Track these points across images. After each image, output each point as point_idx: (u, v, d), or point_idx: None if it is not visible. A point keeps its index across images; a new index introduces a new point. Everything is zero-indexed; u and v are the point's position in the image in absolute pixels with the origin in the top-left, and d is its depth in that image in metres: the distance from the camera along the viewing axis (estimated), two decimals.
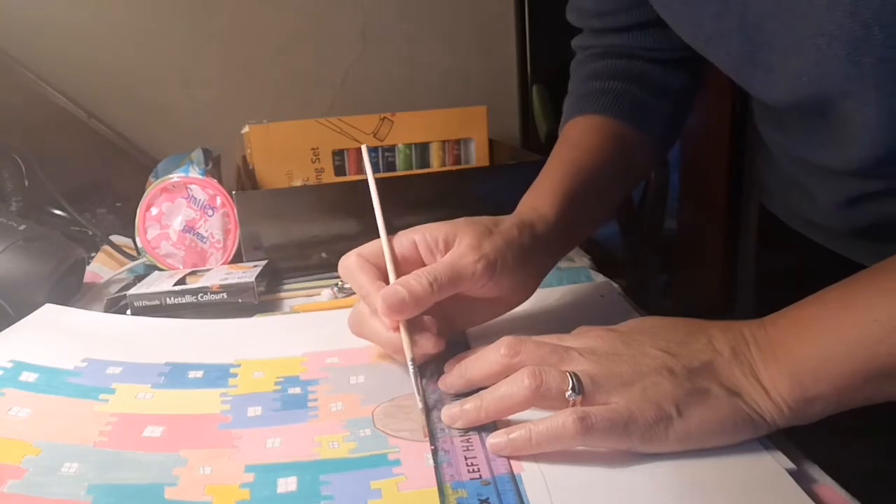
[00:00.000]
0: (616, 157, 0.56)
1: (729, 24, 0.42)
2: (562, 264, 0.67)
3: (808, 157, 0.51)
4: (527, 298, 0.50)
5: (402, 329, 0.42)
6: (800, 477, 0.34)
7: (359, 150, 0.77)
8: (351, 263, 0.45)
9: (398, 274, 0.44)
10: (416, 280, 0.42)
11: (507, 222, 0.47)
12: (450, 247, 0.44)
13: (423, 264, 0.45)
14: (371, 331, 0.45)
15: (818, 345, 0.35)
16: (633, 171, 0.60)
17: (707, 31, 0.45)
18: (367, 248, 0.45)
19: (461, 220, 0.46)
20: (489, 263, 0.43)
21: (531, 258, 0.47)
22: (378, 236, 0.46)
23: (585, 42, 0.63)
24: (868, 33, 0.35)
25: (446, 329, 0.46)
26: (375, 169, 0.78)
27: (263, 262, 0.64)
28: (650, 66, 0.59)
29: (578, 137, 0.57)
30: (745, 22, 0.41)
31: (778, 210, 0.63)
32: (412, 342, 0.42)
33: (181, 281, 0.60)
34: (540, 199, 0.51)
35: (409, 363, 0.41)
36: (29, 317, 0.53)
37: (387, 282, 0.43)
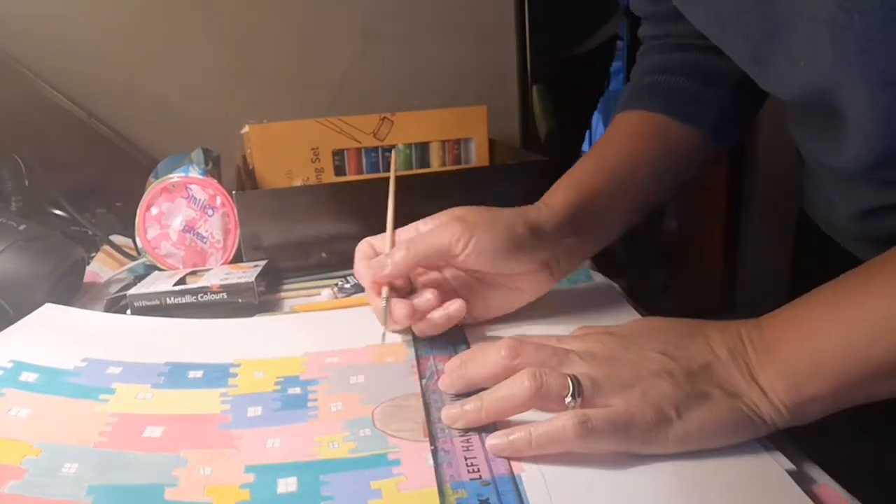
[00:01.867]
0: (656, 154, 0.55)
1: (744, 4, 0.42)
2: None
3: (822, 158, 0.50)
4: (541, 290, 0.52)
5: (382, 293, 0.47)
6: (800, 477, 0.34)
7: (359, 151, 0.77)
8: (359, 248, 0.51)
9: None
10: (397, 248, 0.47)
11: (508, 211, 0.49)
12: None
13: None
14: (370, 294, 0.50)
15: (811, 345, 0.35)
16: (677, 168, 0.58)
17: (723, 14, 0.45)
18: (377, 236, 0.51)
19: (457, 208, 0.49)
20: (465, 230, 0.46)
21: (529, 243, 0.48)
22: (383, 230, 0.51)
23: (646, 31, 0.62)
24: (850, 20, 0.34)
25: (455, 308, 0.48)
26: (375, 169, 0.79)
27: (263, 262, 0.64)
28: (704, 54, 0.57)
29: (616, 133, 0.57)
30: (759, 2, 0.40)
31: (814, 214, 0.61)
32: (389, 306, 0.47)
33: (181, 281, 0.60)
34: (553, 193, 0.52)
35: (382, 321, 0.47)
36: (29, 317, 0.53)
37: None
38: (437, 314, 0.47)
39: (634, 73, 0.62)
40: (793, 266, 0.70)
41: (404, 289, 0.50)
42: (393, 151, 0.58)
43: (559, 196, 0.52)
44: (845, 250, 0.56)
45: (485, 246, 0.46)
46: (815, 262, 0.65)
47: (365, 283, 0.49)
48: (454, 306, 0.47)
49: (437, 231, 0.47)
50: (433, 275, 0.51)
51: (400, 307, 0.47)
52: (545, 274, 0.51)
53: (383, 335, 0.47)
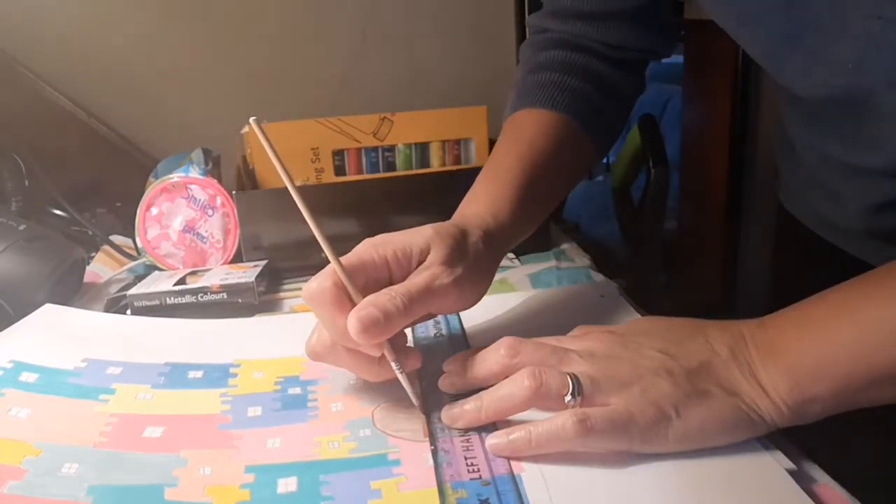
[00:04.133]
0: (566, 159, 0.55)
1: (772, 1, 0.41)
2: (562, 264, 0.67)
3: (838, 156, 0.50)
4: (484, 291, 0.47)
5: (385, 351, 0.39)
6: (800, 477, 0.34)
7: (359, 151, 0.77)
8: (327, 291, 0.38)
9: (363, 292, 0.39)
10: (390, 300, 0.38)
11: (474, 235, 0.45)
12: (423, 260, 0.42)
13: (390, 276, 0.42)
14: (341, 355, 0.40)
15: (817, 346, 0.35)
16: (578, 173, 0.59)
17: (744, 9, 0.44)
18: (332, 272, 0.39)
19: (432, 232, 0.43)
20: (457, 283, 0.42)
21: (490, 266, 0.47)
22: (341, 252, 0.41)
23: (544, 23, 0.60)
24: None
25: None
26: (375, 169, 0.78)
27: (263, 262, 0.64)
28: (607, 66, 0.58)
29: (531, 133, 0.55)
30: (791, 1, 0.40)
31: (797, 210, 0.62)
32: (401, 363, 0.40)
33: (181, 281, 0.60)
34: (499, 205, 0.49)
35: (407, 389, 0.40)
36: (29, 317, 0.53)
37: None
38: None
39: (526, 66, 0.60)
40: (773, 264, 0.71)
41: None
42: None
43: (507, 209, 0.49)
44: (828, 247, 0.56)
45: (465, 291, 0.43)
46: (795, 261, 0.65)
47: (333, 345, 0.40)
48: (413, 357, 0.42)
49: (431, 283, 0.41)
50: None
51: (412, 360, 0.41)
52: (486, 285, 0.47)
53: (414, 398, 0.40)
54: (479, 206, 0.49)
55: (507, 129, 0.57)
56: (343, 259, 0.40)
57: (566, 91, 0.56)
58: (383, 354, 0.39)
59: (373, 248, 0.42)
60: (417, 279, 0.41)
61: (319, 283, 0.39)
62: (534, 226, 0.53)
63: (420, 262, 0.42)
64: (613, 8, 0.55)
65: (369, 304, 0.38)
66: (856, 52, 0.38)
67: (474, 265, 0.44)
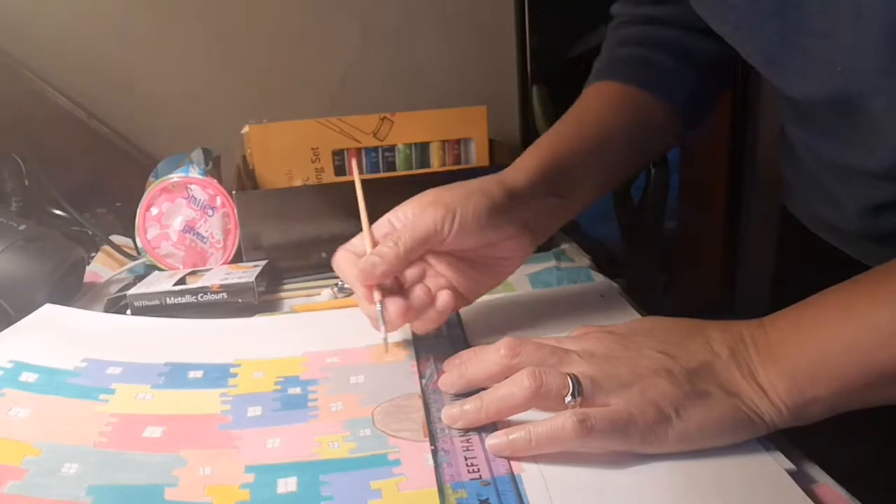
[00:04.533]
0: (628, 124, 0.55)
1: (767, 4, 0.42)
2: (562, 264, 0.67)
3: (834, 158, 0.50)
4: (525, 254, 0.51)
5: (374, 294, 0.45)
6: (800, 477, 0.34)
7: (358, 151, 0.77)
8: (340, 258, 0.47)
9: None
10: (384, 245, 0.45)
11: (488, 182, 0.48)
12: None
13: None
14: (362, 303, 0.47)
15: (816, 348, 0.35)
16: (649, 140, 0.58)
17: (740, 13, 0.45)
18: (352, 241, 0.48)
19: (442, 186, 0.48)
20: (447, 211, 0.45)
21: (506, 207, 0.47)
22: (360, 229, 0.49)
23: (621, 9, 0.62)
24: None
25: (453, 302, 0.47)
26: (375, 169, 0.78)
27: (263, 262, 0.64)
28: (680, 32, 0.57)
29: (589, 102, 0.57)
30: (784, 2, 0.40)
31: (798, 212, 0.62)
32: (384, 307, 0.45)
33: (181, 281, 0.60)
34: (526, 157, 0.52)
35: (380, 322, 0.45)
36: (29, 317, 0.53)
37: None
38: (430, 312, 0.46)
39: (607, 45, 0.61)
40: (775, 265, 0.70)
41: (394, 286, 0.47)
42: (353, 161, 0.55)
43: (530, 157, 0.51)
44: (829, 249, 0.56)
45: (468, 221, 0.45)
46: (797, 262, 0.65)
47: (356, 286, 0.47)
48: (442, 301, 0.46)
49: (418, 219, 0.46)
50: (417, 264, 0.49)
51: (393, 306, 0.45)
52: (527, 237, 0.50)
53: (385, 339, 0.46)
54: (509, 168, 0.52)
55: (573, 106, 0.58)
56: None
57: (632, 62, 0.57)
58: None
59: (381, 218, 0.48)
60: (405, 222, 0.46)
61: (339, 250, 0.48)
62: (587, 185, 0.54)
63: None
64: None
65: (370, 253, 0.45)
66: (843, 56, 0.38)
67: (470, 201, 0.46)
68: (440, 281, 0.48)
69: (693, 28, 0.57)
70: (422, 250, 0.46)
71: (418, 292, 0.46)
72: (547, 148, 0.52)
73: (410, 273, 0.48)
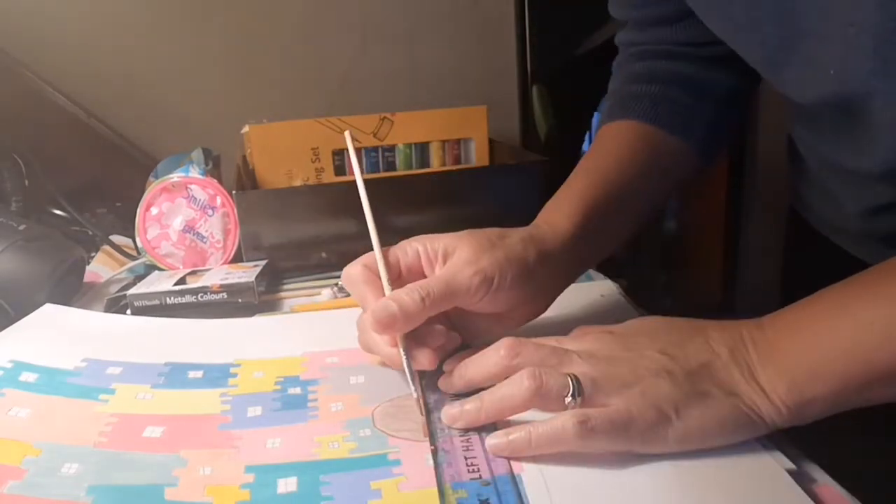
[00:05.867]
0: (647, 166, 0.53)
1: (765, 9, 0.42)
2: None
3: (834, 160, 0.50)
4: (537, 315, 0.48)
5: (399, 343, 0.41)
6: (800, 477, 0.34)
7: (359, 151, 0.77)
8: (356, 274, 0.44)
9: (396, 285, 0.42)
10: (408, 295, 0.41)
11: (515, 236, 0.45)
12: (448, 259, 0.43)
13: (425, 275, 0.44)
14: (373, 342, 0.44)
15: (816, 347, 0.35)
16: (667, 180, 0.56)
17: (739, 19, 0.44)
18: (372, 257, 0.44)
19: (465, 232, 0.44)
20: (485, 279, 0.42)
21: (538, 275, 0.45)
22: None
23: (628, 38, 0.60)
24: None
25: (453, 341, 0.44)
26: (375, 169, 0.79)
27: (263, 262, 0.64)
28: (694, 65, 0.56)
29: (608, 145, 0.55)
30: (780, 7, 0.40)
31: (806, 213, 0.61)
32: (411, 357, 0.41)
33: (181, 281, 0.60)
34: (557, 213, 0.49)
35: (410, 380, 0.41)
36: (29, 317, 0.53)
37: None
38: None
39: (615, 83, 0.60)
40: (784, 266, 0.70)
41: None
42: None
43: (564, 220, 0.48)
44: (837, 250, 0.56)
45: (503, 289, 0.43)
46: (805, 262, 0.65)
47: (368, 330, 0.43)
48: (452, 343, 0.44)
49: (452, 279, 0.42)
50: None
51: (424, 358, 0.42)
52: (542, 304, 0.48)
53: (415, 393, 0.41)
54: (537, 218, 0.49)
55: (589, 148, 0.56)
56: (385, 249, 0.44)
57: (646, 99, 0.55)
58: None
59: (409, 241, 0.45)
60: (437, 274, 0.43)
61: (354, 264, 0.44)
62: (611, 235, 0.52)
63: (446, 263, 0.44)
64: (687, 8, 0.52)
65: (388, 298, 0.41)
66: (836, 59, 0.39)
67: (509, 267, 0.43)
68: (442, 319, 0.45)
69: (706, 59, 0.56)
70: (445, 308, 0.43)
71: (440, 336, 0.43)
72: (578, 208, 0.49)
73: None
